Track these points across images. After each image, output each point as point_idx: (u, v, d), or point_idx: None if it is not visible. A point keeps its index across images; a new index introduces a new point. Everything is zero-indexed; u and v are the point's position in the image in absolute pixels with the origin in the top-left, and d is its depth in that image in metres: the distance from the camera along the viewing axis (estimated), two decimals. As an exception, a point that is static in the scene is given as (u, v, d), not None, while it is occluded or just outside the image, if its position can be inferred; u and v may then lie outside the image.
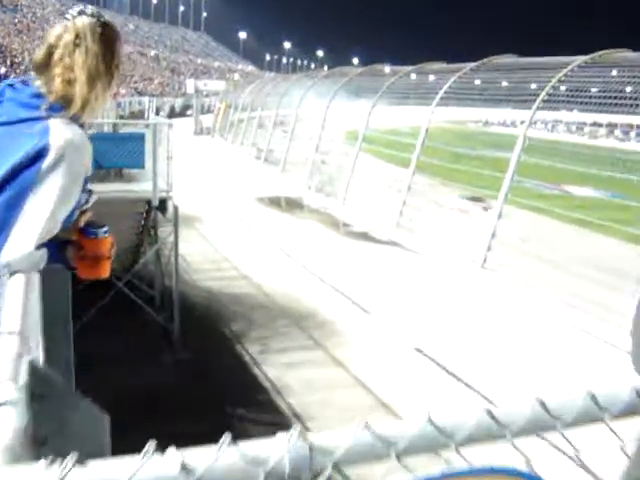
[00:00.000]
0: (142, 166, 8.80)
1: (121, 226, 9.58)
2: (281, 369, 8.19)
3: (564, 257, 12.73)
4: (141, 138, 8.51)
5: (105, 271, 2.99)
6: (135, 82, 78.74)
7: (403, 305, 11.00)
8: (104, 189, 8.83)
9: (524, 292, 11.73)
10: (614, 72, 12.98)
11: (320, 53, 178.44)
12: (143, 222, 9.60)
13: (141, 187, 8.92)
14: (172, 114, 63.55)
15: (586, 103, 13.78)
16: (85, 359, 7.96)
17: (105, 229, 2.90)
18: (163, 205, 8.75)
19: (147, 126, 8.86)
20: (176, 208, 8.68)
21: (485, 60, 16.37)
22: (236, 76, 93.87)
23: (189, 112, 64.07)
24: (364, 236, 16.16)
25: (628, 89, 12.54)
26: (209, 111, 57.08)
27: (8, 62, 41.53)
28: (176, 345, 8.69)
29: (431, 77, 19.47)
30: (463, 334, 9.79)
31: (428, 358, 8.79)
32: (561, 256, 12.87)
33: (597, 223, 13.51)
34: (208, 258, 13.40)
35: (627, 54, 13.03)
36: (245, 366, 8.30)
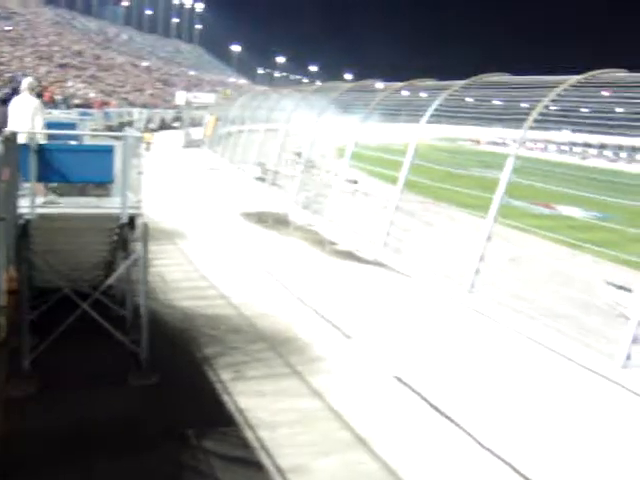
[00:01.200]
0: (111, 181, 8.36)
1: (93, 241, 9.16)
2: (253, 398, 7.75)
3: (554, 280, 12.43)
4: (110, 151, 8.07)
5: None
6: (126, 92, 78.26)
7: (386, 329, 10.61)
8: (72, 204, 8.44)
9: (511, 317, 11.38)
10: (605, 92, 12.73)
11: (313, 68, 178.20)
12: (116, 238, 9.13)
13: (111, 203, 8.48)
14: (163, 126, 63.28)
15: (577, 123, 13.54)
16: (48, 381, 7.61)
17: None
18: (133, 222, 8.31)
19: (117, 139, 8.38)
20: (146, 225, 8.22)
21: (475, 78, 16.08)
22: (227, 89, 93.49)
23: (175, 124, 63.84)
24: (349, 255, 15.77)
25: (619, 110, 12.32)
26: (200, 124, 56.72)
27: (-5, 70, 41.13)
28: (143, 369, 8.23)
29: (422, 94, 19.19)
30: (446, 362, 9.40)
31: (409, 388, 8.38)
32: (551, 279, 12.57)
33: (586, 244, 13.21)
34: (187, 276, 12.96)
35: (620, 74, 12.75)
36: (215, 394, 7.85)
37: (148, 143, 40.15)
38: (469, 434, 7.32)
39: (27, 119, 10.23)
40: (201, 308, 10.92)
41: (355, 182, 22.00)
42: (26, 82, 10.54)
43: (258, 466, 6.41)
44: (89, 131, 14.79)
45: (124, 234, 8.67)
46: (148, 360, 8.31)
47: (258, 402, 7.67)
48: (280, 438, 6.91)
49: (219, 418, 7.27)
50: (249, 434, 6.95)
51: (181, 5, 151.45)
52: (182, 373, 8.40)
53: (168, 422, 7.13)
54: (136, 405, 7.56)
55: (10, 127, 10.00)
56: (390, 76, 25.02)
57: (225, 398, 7.74)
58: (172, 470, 6.36)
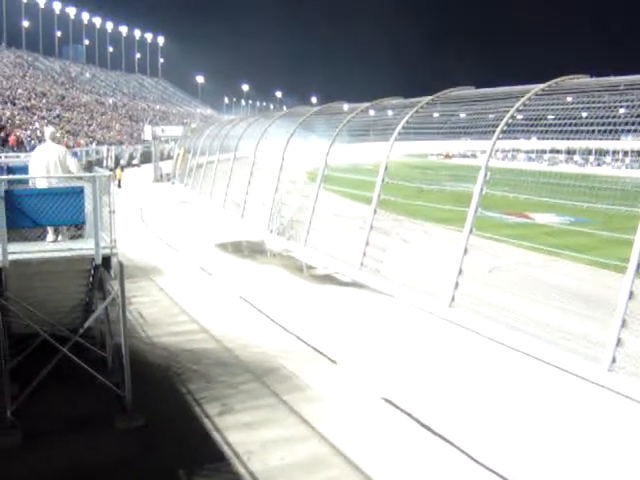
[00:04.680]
0: (82, 222, 8.25)
1: (68, 284, 9.03)
2: (243, 432, 7.64)
3: (532, 288, 12.42)
4: (80, 192, 7.97)
5: None
6: (93, 131, 77.97)
7: (371, 351, 10.54)
8: (44, 248, 8.33)
9: (493, 328, 11.36)
10: (569, 98, 12.84)
11: (279, 94, 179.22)
12: (92, 279, 9.01)
13: (85, 244, 8.37)
14: (130, 162, 63.12)
15: (544, 131, 13.62)
16: (29, 429, 7.44)
17: None
18: (107, 262, 8.20)
19: (87, 179, 8.27)
20: (121, 265, 8.11)
21: (440, 93, 16.18)
22: (194, 121, 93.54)
23: (135, 162, 64.13)
24: (329, 279, 15.71)
25: (584, 114, 12.42)
26: (169, 157, 56.59)
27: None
28: (128, 411, 8.09)
29: (389, 112, 19.25)
30: (433, 379, 9.35)
31: (398, 409, 8.30)
32: (530, 288, 12.56)
33: (563, 250, 13.28)
34: (166, 312, 12.81)
35: (582, 80, 12.90)
36: (203, 430, 7.72)
37: (119, 180, 40.13)
38: (463, 451, 7.25)
39: (52, 166, 10.04)
40: (183, 343, 10.80)
41: None
42: (48, 131, 10.41)
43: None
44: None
45: (99, 274, 8.56)
46: (133, 401, 8.18)
47: (247, 435, 7.57)
48: (273, 470, 6.81)
49: (209, 454, 7.15)
50: (240, 469, 6.84)
51: (142, 40, 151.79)
52: (168, 411, 8.27)
53: (159, 463, 7.01)
54: (125, 448, 7.41)
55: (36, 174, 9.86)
56: (356, 97, 25.14)
57: (214, 433, 7.63)
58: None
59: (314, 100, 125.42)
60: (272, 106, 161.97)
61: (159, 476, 6.81)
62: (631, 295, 9.71)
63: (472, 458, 7.10)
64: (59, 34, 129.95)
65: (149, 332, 11.40)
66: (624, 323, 9.65)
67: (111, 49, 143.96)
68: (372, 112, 20.14)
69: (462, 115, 16.01)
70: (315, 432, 7.67)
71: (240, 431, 7.67)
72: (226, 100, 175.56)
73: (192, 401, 8.54)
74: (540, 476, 6.78)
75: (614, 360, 9.59)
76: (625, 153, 62.92)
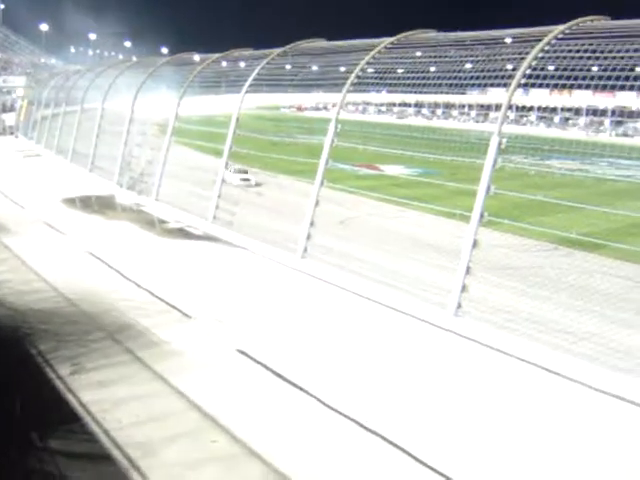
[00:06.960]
0: None
1: None
2: (96, 391, 7.50)
3: (382, 238, 12.78)
4: None
5: None
6: None
7: (225, 304, 10.59)
8: None
9: (345, 279, 11.64)
10: (418, 53, 13.13)
11: (128, 44, 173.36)
12: None
13: None
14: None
15: (394, 85, 13.90)
16: None
17: None
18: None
19: None
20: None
21: (291, 45, 16.17)
22: (39, 71, 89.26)
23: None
24: (181, 232, 15.58)
25: (432, 69, 12.74)
26: (12, 109, 53.98)
27: None
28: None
29: (241, 64, 19.11)
30: (286, 329, 9.54)
31: (252, 360, 8.40)
32: (379, 237, 12.92)
33: (411, 200, 13.70)
34: (13, 271, 12.31)
35: (430, 34, 13.21)
36: (55, 392, 7.54)
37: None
38: (316, 397, 7.43)
39: None
40: (31, 302, 10.43)
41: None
42: None
43: (107, 459, 6.23)
44: None
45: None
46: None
47: (101, 394, 7.44)
48: (128, 427, 6.74)
49: (62, 416, 7.00)
50: (95, 428, 6.73)
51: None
52: (18, 373, 8.01)
53: (10, 427, 6.80)
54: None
55: None
56: (209, 48, 24.71)
57: (66, 394, 7.46)
58: (19, 477, 6.07)
59: (165, 51, 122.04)
60: (121, 56, 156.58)
61: (11, 441, 6.61)
62: (475, 243, 10.16)
63: (324, 403, 7.29)
64: None
65: (-6, 293, 10.98)
66: (468, 270, 10.12)
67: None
68: (224, 64, 19.92)
69: (314, 67, 16.09)
70: (170, 387, 7.64)
71: (93, 390, 7.53)
72: (72, 50, 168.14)
73: (43, 362, 8.30)
74: (395, 417, 7.05)
75: (460, 305, 10.06)
76: (470, 107, 65.32)
